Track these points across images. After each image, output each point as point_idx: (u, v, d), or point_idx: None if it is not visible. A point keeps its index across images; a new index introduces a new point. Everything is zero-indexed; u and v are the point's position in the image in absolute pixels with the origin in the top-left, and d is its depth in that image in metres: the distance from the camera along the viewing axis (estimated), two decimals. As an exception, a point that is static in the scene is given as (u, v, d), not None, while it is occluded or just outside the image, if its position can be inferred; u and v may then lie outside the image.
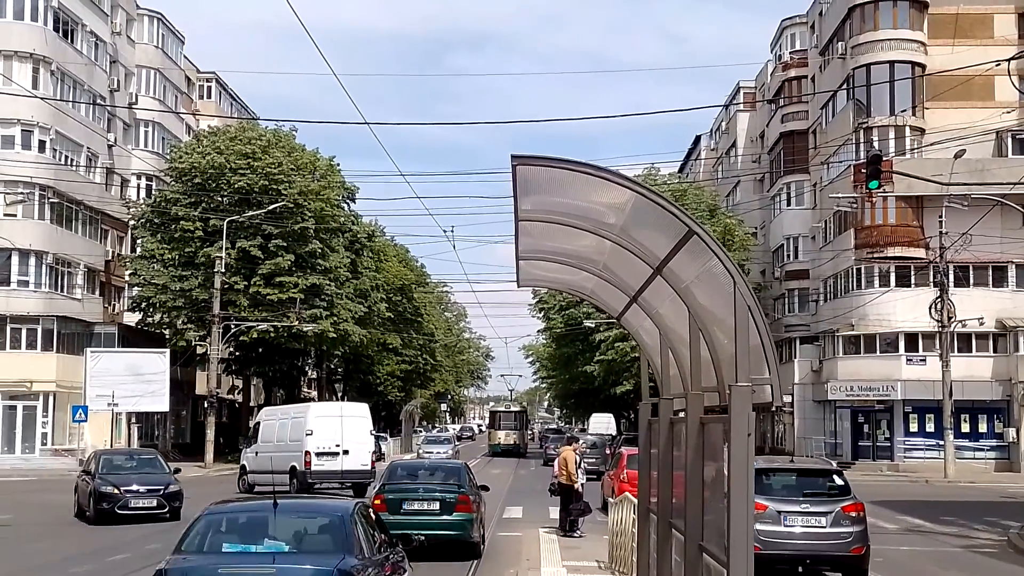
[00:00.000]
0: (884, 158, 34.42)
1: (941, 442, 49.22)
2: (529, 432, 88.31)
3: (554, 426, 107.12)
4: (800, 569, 16.52)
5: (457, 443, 60.14)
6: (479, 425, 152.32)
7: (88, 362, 50.18)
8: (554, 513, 25.27)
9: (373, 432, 39.11)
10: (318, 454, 33.85)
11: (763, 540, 15.72)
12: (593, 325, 61.89)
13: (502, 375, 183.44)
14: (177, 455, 57.74)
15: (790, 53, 66.54)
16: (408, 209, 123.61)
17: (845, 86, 56.29)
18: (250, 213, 51.59)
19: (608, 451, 43.44)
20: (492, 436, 74.32)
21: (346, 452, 34.11)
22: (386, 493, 20.01)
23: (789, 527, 16.65)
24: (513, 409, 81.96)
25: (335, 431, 34.22)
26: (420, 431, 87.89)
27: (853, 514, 16.77)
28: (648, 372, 13.36)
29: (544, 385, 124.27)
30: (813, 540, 16.59)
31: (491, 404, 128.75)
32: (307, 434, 33.92)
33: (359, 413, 35.99)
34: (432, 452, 55.83)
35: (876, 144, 49.43)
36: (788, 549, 16.37)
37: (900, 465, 51.96)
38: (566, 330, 68.71)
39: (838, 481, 17.60)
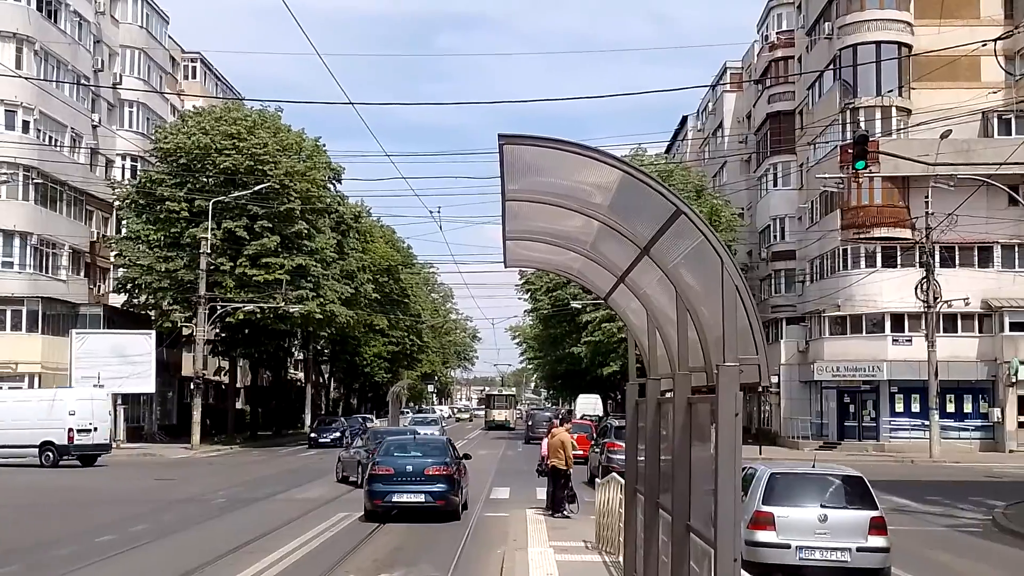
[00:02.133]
0: (870, 139, 34.46)
1: (926, 422, 49.46)
2: (517, 411, 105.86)
3: (541, 408, 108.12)
4: None
5: (444, 423, 60.68)
6: (465, 407, 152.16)
7: (73, 343, 50.09)
8: (541, 494, 25.32)
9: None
10: (79, 431, 40.36)
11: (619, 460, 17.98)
12: (580, 306, 61.96)
13: (495, 365, 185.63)
14: (163, 437, 57.80)
15: (777, 34, 66.48)
16: (394, 190, 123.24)
17: (832, 67, 56.29)
18: (236, 194, 51.43)
19: (594, 432, 43.81)
20: (488, 414, 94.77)
21: (95, 429, 40.99)
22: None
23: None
24: (505, 393, 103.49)
25: (88, 412, 40.71)
26: (407, 412, 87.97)
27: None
28: (635, 353, 13.37)
29: (531, 366, 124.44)
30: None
31: (486, 389, 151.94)
32: (69, 414, 39.97)
33: (103, 396, 42.94)
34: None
35: (863, 125, 49.48)
36: None
37: (886, 445, 52.21)
38: (553, 311, 68.78)
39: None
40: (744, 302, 7.21)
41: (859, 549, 14.66)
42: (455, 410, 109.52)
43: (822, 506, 14.91)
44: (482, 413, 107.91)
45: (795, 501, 14.98)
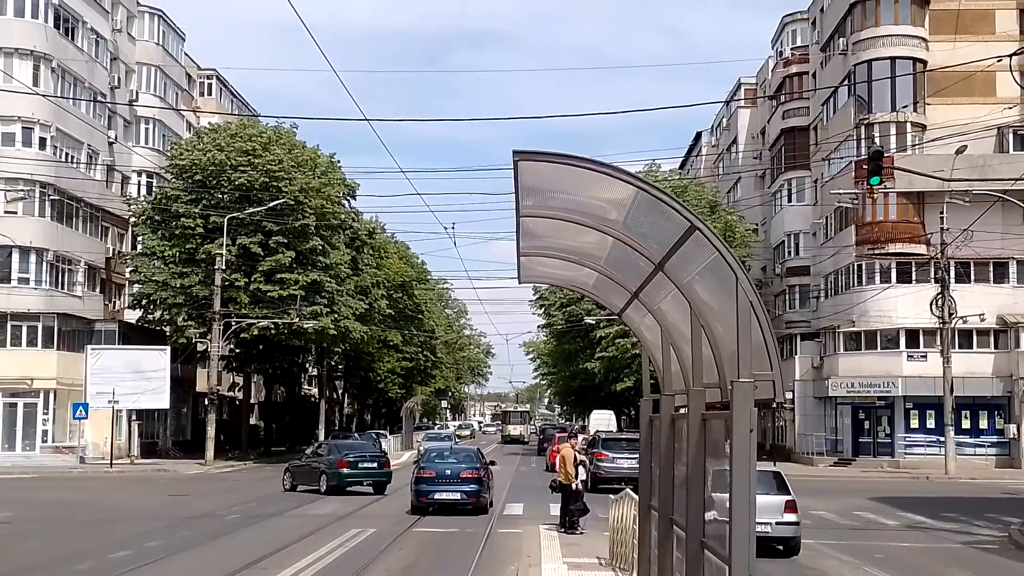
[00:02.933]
0: (885, 154, 34.38)
1: (942, 438, 49.24)
2: (532, 426, 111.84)
3: (553, 423, 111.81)
4: (622, 484, 26.24)
5: (458, 441, 60.73)
6: (479, 422, 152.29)
7: (88, 359, 50.22)
8: (555, 510, 25.29)
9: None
10: None
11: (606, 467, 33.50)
12: (594, 322, 61.89)
13: (510, 381, 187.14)
14: (178, 452, 57.90)
15: (791, 49, 66.50)
16: (409, 206, 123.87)
17: (846, 82, 56.27)
18: (251, 210, 51.57)
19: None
20: (504, 428, 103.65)
21: None
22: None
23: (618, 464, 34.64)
24: (519, 409, 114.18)
25: None
26: (429, 427, 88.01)
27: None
28: (649, 369, 13.34)
29: (544, 382, 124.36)
30: (631, 470, 30.23)
31: (500, 405, 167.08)
32: None
33: None
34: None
35: (877, 140, 49.42)
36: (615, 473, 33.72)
37: (901, 462, 51.98)
38: (567, 326, 68.72)
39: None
40: (758, 318, 7.20)
41: (777, 523, 19.84)
42: (459, 426, 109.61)
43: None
44: (492, 430, 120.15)
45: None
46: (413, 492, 28.75)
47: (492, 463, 31.68)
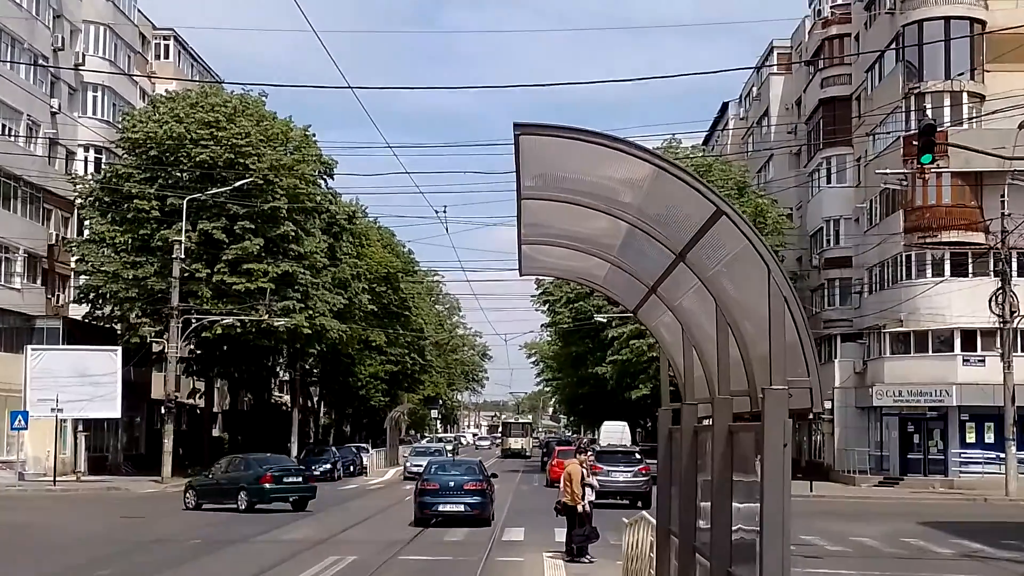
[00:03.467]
0: (938, 128, 34.38)
1: (1002, 455, 49.21)
2: (535, 439, 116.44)
3: (558, 436, 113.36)
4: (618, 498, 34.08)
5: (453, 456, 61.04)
6: (474, 435, 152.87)
7: (28, 361, 50.13)
8: (560, 535, 25.30)
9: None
10: None
11: (601, 481, 31.20)
12: (605, 320, 61.90)
13: (510, 392, 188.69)
14: (130, 468, 57.87)
15: (831, 8, 66.42)
16: (395, 186, 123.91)
17: (894, 46, 56.19)
18: (213, 191, 51.55)
19: (645, 467, 44.91)
20: (504, 441, 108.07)
21: None
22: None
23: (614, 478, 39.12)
24: (521, 421, 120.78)
25: None
26: (410, 441, 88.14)
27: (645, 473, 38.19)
28: (668, 374, 13.33)
29: (548, 389, 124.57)
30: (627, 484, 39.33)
31: (497, 415, 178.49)
32: None
33: None
34: (421, 466, 56.07)
35: (929, 112, 49.33)
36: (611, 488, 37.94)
37: (955, 481, 51.98)
38: (574, 325, 68.73)
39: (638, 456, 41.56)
40: (793, 316, 7.18)
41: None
42: (452, 440, 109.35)
43: None
44: (487, 444, 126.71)
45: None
46: (416, 504, 32.23)
47: (494, 475, 35.98)
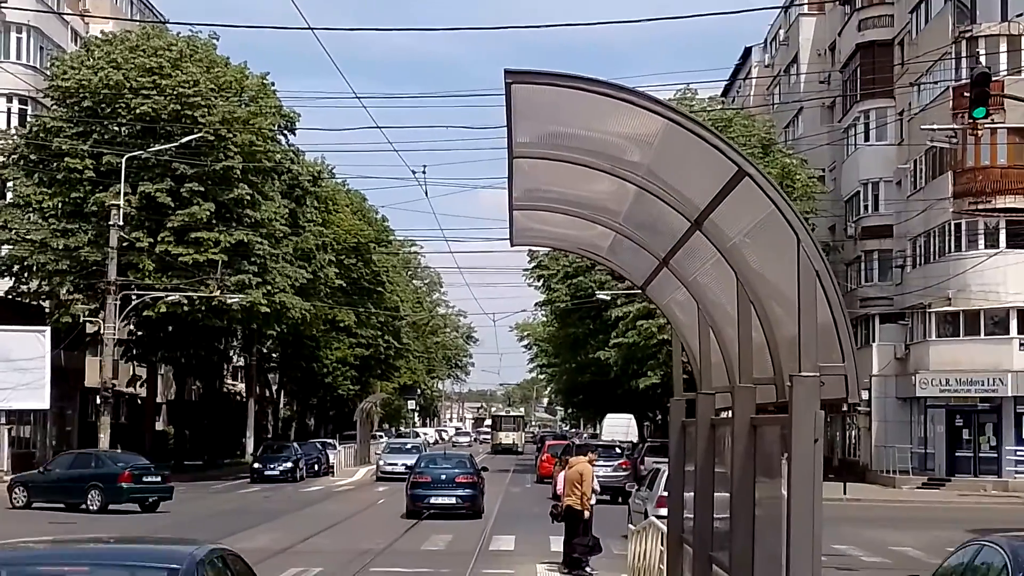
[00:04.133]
0: (993, 78, 34.38)
1: (1064, 452, 49.42)
2: (529, 433, 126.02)
3: (554, 429, 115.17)
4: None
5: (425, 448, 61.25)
6: (457, 428, 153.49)
7: (-57, 344, 50.03)
8: (556, 544, 25.35)
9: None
10: None
11: None
12: (609, 298, 61.90)
13: (500, 383, 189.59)
14: (61, 466, 57.84)
15: (870, -61, 66.26)
16: (366, 143, 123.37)
17: (943, -17, 56.13)
18: (157, 148, 51.39)
19: (625, 462, 46.70)
20: (494, 436, 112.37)
21: None
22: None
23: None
24: (513, 414, 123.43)
25: None
26: (384, 435, 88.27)
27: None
28: (682, 359, 13.36)
29: (543, 376, 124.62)
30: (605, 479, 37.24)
31: (484, 406, 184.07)
32: None
33: None
34: (396, 464, 56.63)
35: (983, 60, 49.33)
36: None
37: (1010, 483, 52.19)
38: (573, 304, 68.74)
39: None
40: (826, 292, 7.20)
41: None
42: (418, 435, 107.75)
43: None
44: (465, 441, 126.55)
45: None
46: (408, 497, 37.66)
47: (484, 468, 43.04)
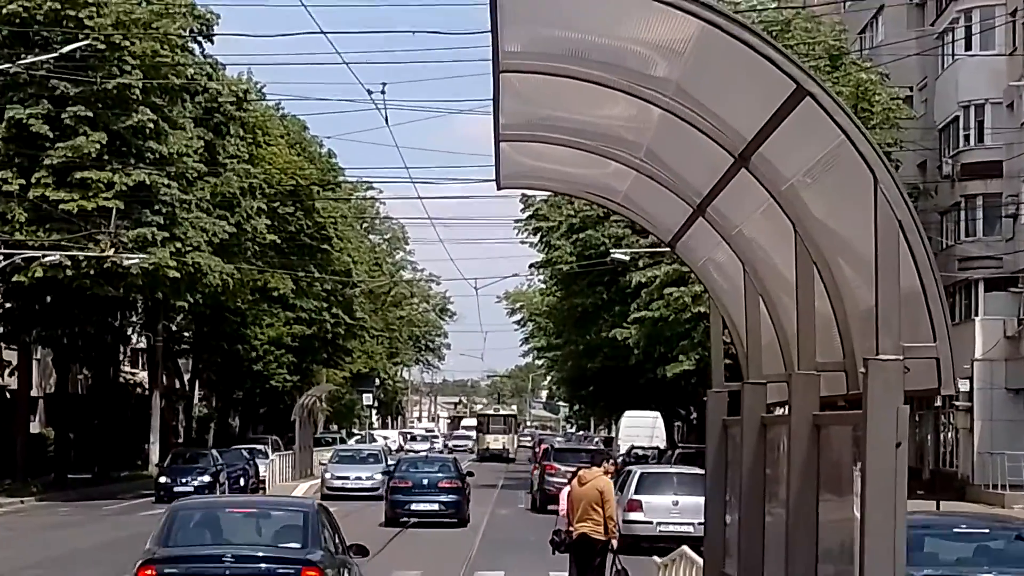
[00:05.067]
0: None
1: None
2: (526, 436, 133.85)
3: (555, 430, 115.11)
4: None
5: (389, 464, 60.77)
6: (428, 431, 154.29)
7: None
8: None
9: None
10: None
11: (557, 483, 41.47)
12: (627, 258, 61.92)
13: (487, 373, 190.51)
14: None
15: None
16: (307, 54, 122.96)
17: None
18: (29, 60, 51.29)
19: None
20: (481, 440, 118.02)
21: None
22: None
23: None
24: (502, 412, 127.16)
25: None
26: (330, 440, 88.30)
27: None
28: (723, 339, 13.38)
29: (541, 362, 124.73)
30: None
31: (464, 400, 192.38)
32: None
33: None
34: (347, 478, 56.74)
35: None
36: None
37: None
38: (579, 267, 68.77)
39: None
40: (912, 250, 7.21)
41: (700, 524, 25.15)
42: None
43: (675, 494, 35.59)
44: (422, 450, 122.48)
45: (657, 491, 36.06)
46: (388, 503, 44.15)
47: (470, 474, 49.39)
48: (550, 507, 42.77)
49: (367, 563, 22.51)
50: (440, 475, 45.02)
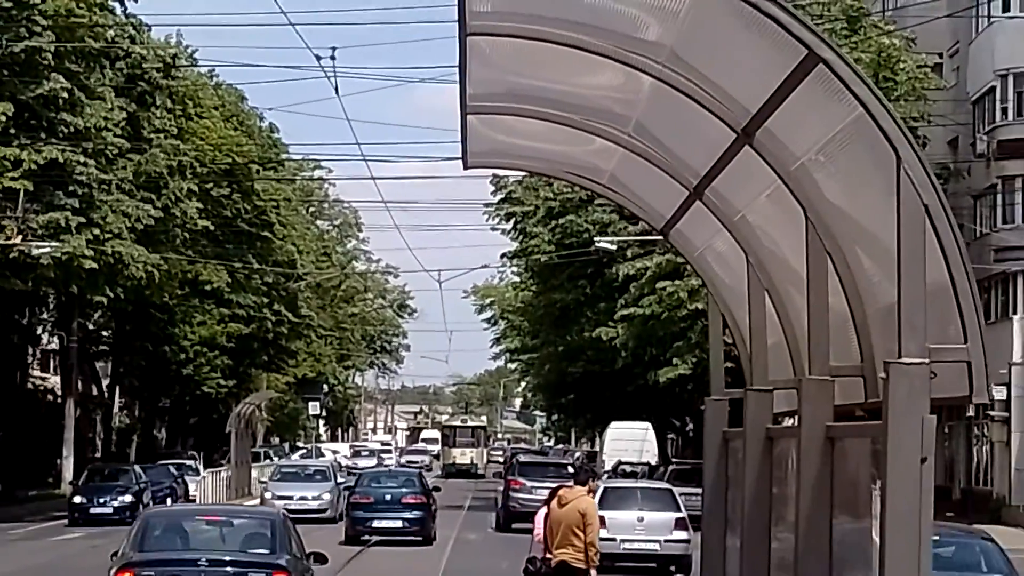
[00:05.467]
0: None
1: None
2: (497, 450, 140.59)
3: (530, 444, 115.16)
4: None
5: (339, 485, 60.60)
6: (383, 444, 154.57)
7: None
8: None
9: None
10: None
11: (522, 499, 50.04)
12: (613, 247, 61.99)
13: (452, 379, 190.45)
14: None
15: None
16: (244, 14, 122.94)
17: None
18: (-76, 19, 51.29)
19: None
20: (446, 455, 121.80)
21: None
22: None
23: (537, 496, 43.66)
24: (470, 424, 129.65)
25: None
26: (274, 454, 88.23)
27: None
28: (723, 339, 13.45)
29: (514, 366, 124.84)
30: None
31: (440, 416, 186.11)
32: None
33: None
34: (291, 497, 56.55)
35: None
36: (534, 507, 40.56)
37: None
38: (559, 257, 68.83)
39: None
40: (940, 238, 7.27)
41: (666, 541, 35.64)
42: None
43: (640, 509, 37.60)
44: (368, 465, 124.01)
45: (621, 506, 37.34)
46: (348, 520, 46.63)
47: (436, 489, 52.36)
48: (514, 525, 47.31)
49: (323, 571, 24.09)
50: (404, 490, 47.12)
